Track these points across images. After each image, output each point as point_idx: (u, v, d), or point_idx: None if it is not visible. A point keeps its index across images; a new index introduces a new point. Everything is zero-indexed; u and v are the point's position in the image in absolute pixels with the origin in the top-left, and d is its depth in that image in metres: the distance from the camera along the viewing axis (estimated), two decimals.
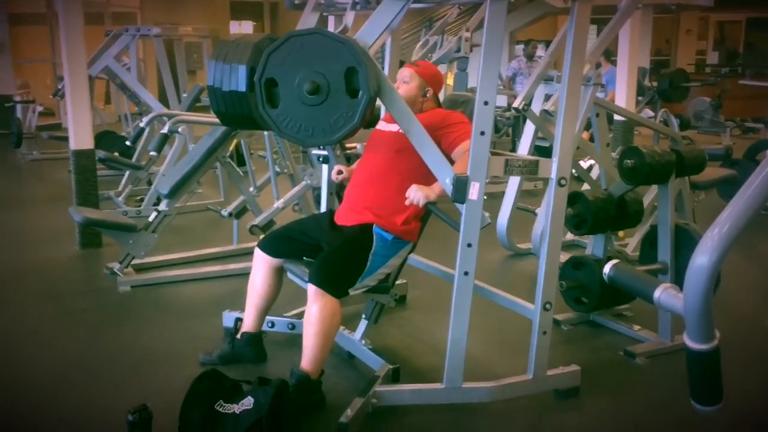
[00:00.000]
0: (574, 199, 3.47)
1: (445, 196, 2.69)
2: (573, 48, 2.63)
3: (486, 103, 2.53)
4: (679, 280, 3.23)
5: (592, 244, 3.67)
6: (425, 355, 3.34)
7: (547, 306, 2.76)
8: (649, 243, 3.45)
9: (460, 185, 2.56)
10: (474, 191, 2.58)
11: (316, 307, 2.71)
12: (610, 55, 8.37)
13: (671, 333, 3.30)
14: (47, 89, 11.66)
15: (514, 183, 4.79)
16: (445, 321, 2.70)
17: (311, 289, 2.72)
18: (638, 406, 2.89)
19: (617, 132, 6.90)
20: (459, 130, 2.85)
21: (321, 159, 3.45)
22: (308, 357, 2.75)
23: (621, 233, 4.24)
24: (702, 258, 1.10)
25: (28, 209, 6.59)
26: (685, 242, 3.22)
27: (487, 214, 2.69)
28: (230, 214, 4.70)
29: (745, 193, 1.10)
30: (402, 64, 3.51)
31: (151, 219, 4.36)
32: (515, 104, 4.53)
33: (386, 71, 3.59)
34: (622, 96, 6.65)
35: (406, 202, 2.73)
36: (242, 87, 2.58)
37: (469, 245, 2.63)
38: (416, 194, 2.70)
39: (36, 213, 6.38)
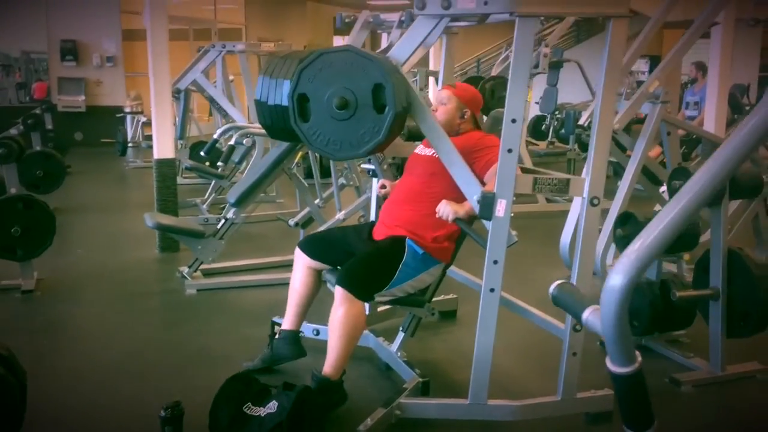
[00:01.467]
0: (625, 219, 3.38)
1: (474, 214, 2.70)
2: (608, 65, 2.58)
3: (513, 120, 2.53)
4: (731, 307, 3.11)
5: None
6: (464, 371, 3.30)
7: (577, 327, 2.71)
8: (703, 268, 3.32)
9: (487, 202, 2.57)
10: (501, 208, 2.58)
11: (341, 311, 2.77)
12: (707, 70, 8.04)
13: (722, 362, 3.16)
14: None
15: (578, 200, 4.69)
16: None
17: (338, 291, 2.79)
18: None
19: (706, 153, 6.61)
20: (492, 153, 2.84)
21: (370, 173, 3.53)
22: (331, 360, 2.82)
23: (687, 256, 4.07)
24: (616, 278, 1.08)
25: (123, 213, 7.02)
26: (737, 268, 3.08)
27: (514, 233, 2.67)
28: (296, 224, 4.85)
29: (665, 213, 1.07)
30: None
31: (218, 226, 4.56)
32: (581, 121, 4.47)
33: (438, 91, 3.63)
34: (711, 114, 6.39)
35: (436, 216, 2.76)
36: (285, 101, 2.68)
37: (495, 262, 2.63)
38: (445, 209, 2.73)
39: (129, 217, 6.77)
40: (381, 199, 3.43)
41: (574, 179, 2.67)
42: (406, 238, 2.91)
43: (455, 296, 4.01)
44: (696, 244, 3.41)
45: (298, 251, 3.17)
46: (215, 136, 4.57)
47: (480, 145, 2.94)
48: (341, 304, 2.79)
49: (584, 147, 9.04)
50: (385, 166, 3.45)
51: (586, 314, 1.21)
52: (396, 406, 2.75)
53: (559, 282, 1.33)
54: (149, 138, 10.25)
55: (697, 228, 3.39)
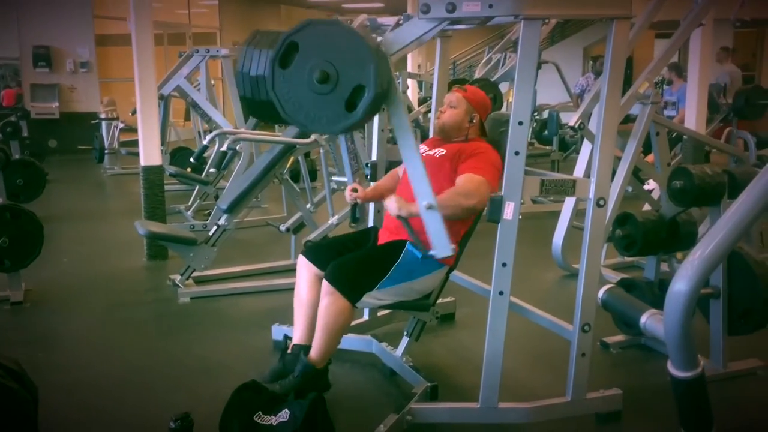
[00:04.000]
0: (624, 220, 3.41)
1: (415, 217, 2.66)
2: (611, 66, 2.60)
3: (520, 123, 2.54)
4: (731, 306, 3.15)
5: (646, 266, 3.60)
6: (468, 374, 3.33)
7: (586, 328, 2.71)
8: None
9: (495, 205, 2.57)
10: (509, 211, 2.58)
11: (324, 303, 2.78)
12: (681, 71, 8.15)
13: (723, 359, 3.19)
14: (131, 107, 12.20)
15: (569, 201, 4.73)
16: None
17: (324, 284, 2.78)
18: None
19: (687, 151, 6.71)
20: (475, 161, 2.88)
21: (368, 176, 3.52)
22: (315, 346, 2.86)
23: (679, 255, 4.12)
24: (680, 284, 1.08)
25: (105, 221, 6.93)
26: (738, 266, 3.11)
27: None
28: (288, 229, 4.82)
29: (726, 219, 1.08)
30: (450, 87, 3.50)
31: (211, 233, 4.52)
32: (572, 122, 4.49)
33: (434, 93, 3.63)
34: (692, 113, 6.48)
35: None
36: (268, 71, 2.60)
37: (504, 265, 2.63)
38: (390, 204, 2.74)
39: (111, 225, 6.70)
40: (355, 205, 3.25)
41: (580, 181, 2.68)
42: (407, 242, 2.89)
43: (453, 299, 4.01)
44: (694, 242, 3.45)
45: (302, 260, 3.07)
46: (205, 143, 4.51)
47: (471, 150, 2.95)
48: (324, 297, 2.78)
49: (565, 147, 9.14)
50: (355, 170, 3.45)
51: (645, 318, 1.21)
52: (407, 412, 2.74)
53: (608, 287, 1.32)
54: (126, 144, 10.15)
55: (695, 227, 3.43)
